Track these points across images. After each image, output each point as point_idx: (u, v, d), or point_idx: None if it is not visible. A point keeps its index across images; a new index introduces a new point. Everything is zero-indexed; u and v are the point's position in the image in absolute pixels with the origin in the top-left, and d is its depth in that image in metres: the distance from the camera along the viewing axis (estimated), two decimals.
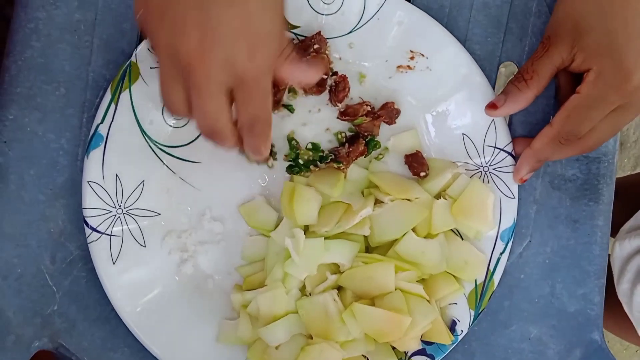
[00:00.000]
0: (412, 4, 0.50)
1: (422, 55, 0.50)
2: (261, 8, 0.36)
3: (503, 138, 0.51)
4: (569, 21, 0.45)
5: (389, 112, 0.50)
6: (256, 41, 0.36)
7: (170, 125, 0.50)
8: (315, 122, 0.51)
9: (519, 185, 0.51)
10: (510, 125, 0.52)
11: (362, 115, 0.49)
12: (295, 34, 0.50)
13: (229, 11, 0.35)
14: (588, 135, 0.46)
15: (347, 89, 0.50)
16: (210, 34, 0.35)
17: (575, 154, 0.49)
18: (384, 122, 0.51)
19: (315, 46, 0.49)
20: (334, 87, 0.50)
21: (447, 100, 0.51)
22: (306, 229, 0.50)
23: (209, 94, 0.37)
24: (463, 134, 0.51)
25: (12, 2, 0.63)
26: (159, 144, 0.50)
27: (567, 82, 0.49)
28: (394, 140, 0.52)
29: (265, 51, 0.37)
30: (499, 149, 0.51)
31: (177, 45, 0.35)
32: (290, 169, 0.51)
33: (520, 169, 0.50)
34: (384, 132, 0.52)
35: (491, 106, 0.48)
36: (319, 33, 0.49)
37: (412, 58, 0.50)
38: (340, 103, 0.50)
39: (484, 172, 0.51)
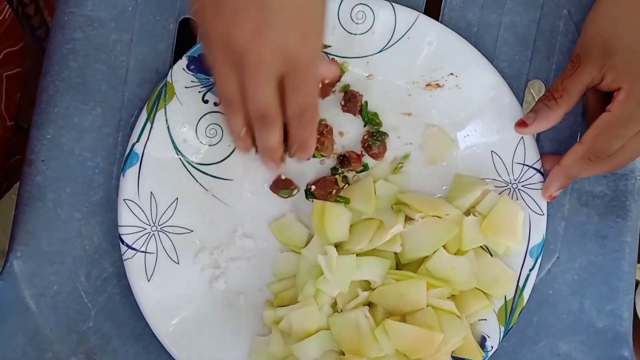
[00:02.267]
0: (441, 23, 0.51)
1: (452, 73, 0.51)
2: None
3: (532, 155, 0.51)
4: (598, 40, 0.46)
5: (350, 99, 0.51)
6: (308, 28, 0.38)
7: (204, 144, 0.51)
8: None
9: (548, 203, 0.51)
10: (538, 142, 0.52)
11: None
12: (327, 53, 0.51)
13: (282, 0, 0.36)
14: (617, 153, 0.47)
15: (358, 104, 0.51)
16: (264, 20, 0.36)
17: (604, 171, 0.49)
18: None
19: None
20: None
21: (476, 118, 0.52)
22: (337, 246, 0.51)
23: (261, 78, 0.38)
24: (492, 151, 0.52)
25: (46, 24, 0.65)
26: (193, 162, 0.51)
27: (596, 100, 0.50)
28: (425, 139, 0.52)
29: (316, 37, 0.39)
30: (527, 166, 0.51)
31: (232, 33, 0.37)
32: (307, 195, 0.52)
33: (550, 186, 0.50)
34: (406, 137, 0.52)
35: (521, 124, 0.49)
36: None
37: (441, 77, 0.51)
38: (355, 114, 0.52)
39: (512, 189, 0.52)
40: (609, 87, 0.46)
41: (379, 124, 0.52)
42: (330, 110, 0.51)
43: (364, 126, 0.52)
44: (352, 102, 0.51)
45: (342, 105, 0.51)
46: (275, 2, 0.36)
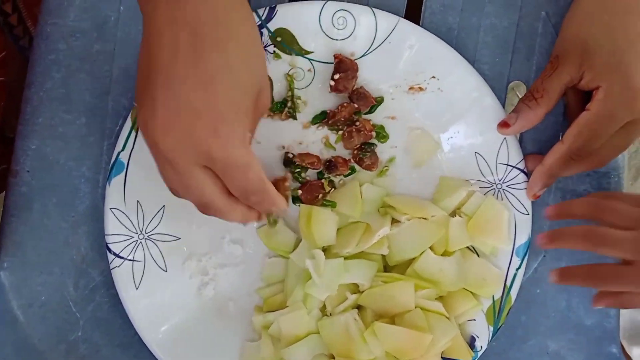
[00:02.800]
0: (422, 27, 0.52)
1: (434, 77, 0.52)
2: (230, 86, 0.36)
3: (515, 156, 0.52)
4: (577, 41, 0.47)
5: (360, 97, 0.51)
6: (219, 120, 0.36)
7: None
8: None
9: (532, 201, 0.52)
10: (521, 142, 0.53)
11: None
12: (309, 59, 0.51)
13: (193, 92, 0.35)
14: (599, 151, 0.47)
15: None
16: (173, 110, 0.36)
17: (587, 169, 0.50)
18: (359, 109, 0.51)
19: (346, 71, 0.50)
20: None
21: (459, 120, 0.52)
22: (325, 250, 0.51)
23: (181, 169, 0.37)
24: (476, 152, 0.52)
25: (29, 33, 0.65)
26: None
27: (576, 99, 0.50)
28: (409, 142, 0.52)
29: (231, 128, 0.37)
30: (511, 166, 0.52)
31: (147, 126, 0.36)
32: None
33: (533, 185, 0.51)
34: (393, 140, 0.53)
35: (503, 125, 0.49)
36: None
37: (423, 80, 0.52)
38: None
39: (497, 190, 0.52)
40: (588, 86, 0.47)
41: (386, 136, 0.52)
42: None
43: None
44: (363, 100, 0.51)
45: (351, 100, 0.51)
46: (184, 92, 0.35)
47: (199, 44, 0.35)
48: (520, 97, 0.52)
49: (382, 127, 0.52)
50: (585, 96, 0.48)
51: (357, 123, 0.51)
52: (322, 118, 0.52)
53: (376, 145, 0.52)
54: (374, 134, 0.51)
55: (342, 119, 0.51)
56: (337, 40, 0.51)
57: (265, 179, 0.39)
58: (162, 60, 0.36)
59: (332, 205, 0.51)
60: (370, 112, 0.52)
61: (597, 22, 0.46)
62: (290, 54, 0.51)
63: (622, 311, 0.53)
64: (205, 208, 0.40)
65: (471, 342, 0.51)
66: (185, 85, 0.35)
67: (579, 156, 0.47)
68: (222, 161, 0.37)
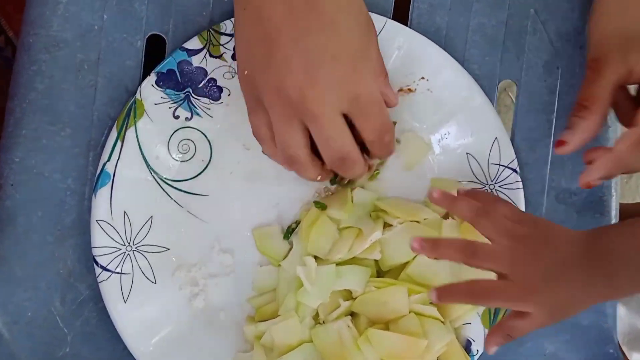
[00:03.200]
0: (410, 28, 0.51)
1: (423, 77, 0.51)
2: (350, 27, 0.38)
3: (507, 155, 0.51)
4: (613, 36, 0.45)
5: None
6: (357, 58, 0.38)
7: (177, 160, 0.50)
8: None
9: (525, 202, 0.51)
10: (513, 142, 0.52)
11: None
12: None
13: (321, 36, 0.37)
14: None
15: None
16: (311, 63, 0.37)
17: None
18: None
19: None
20: None
21: (450, 121, 0.51)
22: (316, 257, 0.50)
23: (327, 120, 0.38)
24: (467, 153, 0.52)
25: (12, 43, 0.64)
26: (166, 178, 0.50)
27: (625, 98, 0.48)
28: (400, 144, 0.51)
29: (366, 65, 0.39)
30: (503, 166, 0.51)
31: (286, 85, 0.37)
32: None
33: (595, 172, 0.45)
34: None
35: (560, 144, 0.46)
36: None
37: (412, 81, 0.51)
38: None
39: (489, 190, 0.52)
40: None
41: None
42: None
43: None
44: None
45: None
46: (315, 41, 0.37)
47: None
48: (513, 97, 0.51)
49: None
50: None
51: None
52: None
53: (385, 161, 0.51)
54: None
55: None
56: None
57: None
58: (279, 19, 0.36)
59: (322, 206, 0.50)
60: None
61: (630, 10, 0.44)
62: None
63: (620, 315, 0.53)
64: (341, 162, 0.41)
65: (467, 346, 0.51)
66: (311, 35, 0.36)
67: None
68: (366, 98, 0.39)
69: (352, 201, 0.51)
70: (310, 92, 0.37)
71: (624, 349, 0.51)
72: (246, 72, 0.40)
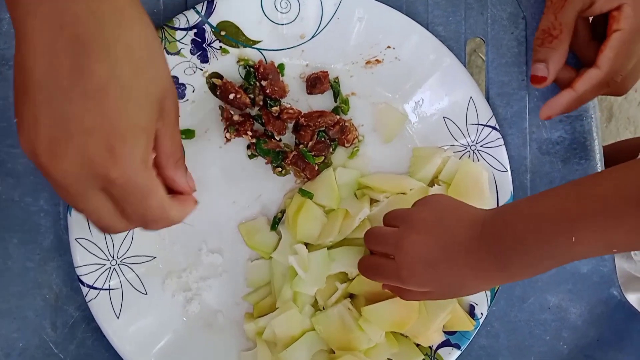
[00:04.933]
0: None
1: (389, 46, 0.50)
2: (122, 99, 0.32)
3: (484, 114, 0.50)
4: None
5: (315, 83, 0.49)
6: (115, 138, 0.31)
7: None
8: None
9: (509, 158, 0.51)
10: (488, 99, 0.52)
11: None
12: (258, 49, 0.49)
13: (82, 105, 0.31)
14: (628, 74, 0.46)
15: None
16: (60, 131, 0.31)
17: (611, 94, 0.48)
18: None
19: (270, 76, 0.48)
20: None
21: (422, 86, 0.50)
22: (306, 244, 0.49)
23: (75, 195, 0.33)
24: (444, 117, 0.51)
25: None
26: None
27: (584, 27, 0.48)
28: (375, 118, 0.51)
29: (130, 147, 0.32)
30: (482, 125, 0.50)
31: (33, 147, 0.31)
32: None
33: (556, 107, 0.47)
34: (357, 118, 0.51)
35: (536, 79, 0.47)
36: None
37: (379, 51, 0.50)
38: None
39: (472, 151, 0.51)
40: (602, 9, 0.45)
41: (347, 107, 0.50)
42: (298, 95, 0.50)
43: (335, 100, 0.50)
44: (317, 84, 0.49)
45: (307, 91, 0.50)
46: (72, 108, 0.31)
47: (82, 50, 0.31)
48: (484, 57, 0.50)
49: (346, 100, 0.50)
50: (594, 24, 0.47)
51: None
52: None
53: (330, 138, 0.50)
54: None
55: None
56: (283, 24, 0.49)
57: (168, 206, 0.35)
58: (40, 72, 0.31)
59: (309, 195, 0.49)
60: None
61: None
62: (238, 47, 0.48)
63: None
64: (105, 231, 0.35)
65: (471, 311, 0.50)
66: (71, 101, 0.31)
67: (615, 81, 0.46)
68: (121, 186, 0.32)
69: (336, 182, 0.49)
70: (56, 164, 0.31)
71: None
72: (15, 119, 0.33)
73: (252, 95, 0.49)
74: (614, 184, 0.36)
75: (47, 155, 0.31)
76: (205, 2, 0.47)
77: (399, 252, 0.41)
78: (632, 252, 0.62)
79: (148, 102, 0.33)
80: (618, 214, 0.35)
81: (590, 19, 0.49)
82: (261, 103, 0.49)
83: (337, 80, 0.50)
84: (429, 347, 0.49)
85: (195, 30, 0.47)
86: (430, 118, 0.51)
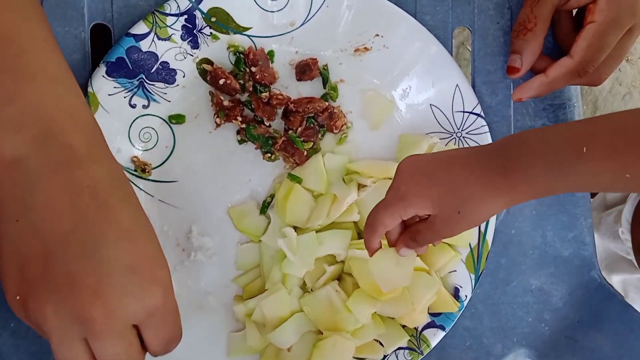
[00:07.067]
0: None
1: (377, 35, 0.51)
2: (147, 237, 0.34)
3: (470, 101, 0.51)
4: None
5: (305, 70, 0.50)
6: (155, 268, 0.33)
7: (140, 149, 0.49)
8: None
9: None
10: (474, 87, 0.53)
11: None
12: (248, 35, 0.49)
13: (119, 247, 0.32)
14: (602, 65, 0.47)
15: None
16: (102, 277, 0.32)
17: (585, 84, 0.49)
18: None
19: (260, 62, 0.49)
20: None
21: (409, 74, 0.51)
22: (295, 227, 0.50)
23: (116, 336, 0.32)
24: (431, 104, 0.52)
25: None
26: (131, 170, 0.49)
27: (566, 20, 0.50)
28: (363, 105, 0.51)
29: (166, 273, 0.34)
30: (468, 112, 0.51)
31: (68, 307, 0.31)
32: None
33: (527, 91, 0.49)
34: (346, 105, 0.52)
35: (511, 70, 0.49)
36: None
37: (367, 39, 0.51)
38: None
39: (457, 138, 0.52)
40: (579, 3, 0.46)
41: (336, 94, 0.51)
42: (288, 82, 0.51)
43: (324, 87, 0.51)
44: (307, 71, 0.50)
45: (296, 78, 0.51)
46: (111, 255, 0.32)
47: (102, 201, 0.33)
48: (469, 48, 0.51)
49: (335, 87, 0.51)
50: (574, 16, 0.48)
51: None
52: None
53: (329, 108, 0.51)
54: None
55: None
56: (273, 12, 0.49)
57: None
58: (64, 231, 0.32)
59: (298, 180, 0.50)
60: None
61: None
62: (228, 33, 0.49)
63: (596, 243, 0.54)
64: None
65: (455, 293, 0.51)
66: (109, 244, 0.32)
67: (586, 71, 0.47)
68: (165, 308, 0.33)
69: (324, 167, 0.50)
70: (100, 310, 0.31)
71: (603, 273, 0.53)
72: (18, 297, 0.33)
73: (242, 81, 0.50)
74: (630, 113, 0.37)
75: (93, 305, 0.31)
76: None
77: (395, 175, 0.41)
78: (620, 232, 0.63)
79: (158, 243, 0.35)
80: (631, 134, 0.35)
81: (574, 11, 0.50)
82: (251, 89, 0.50)
83: (326, 68, 0.51)
84: (415, 328, 0.51)
85: (186, 17, 0.48)
86: (418, 105, 0.52)
